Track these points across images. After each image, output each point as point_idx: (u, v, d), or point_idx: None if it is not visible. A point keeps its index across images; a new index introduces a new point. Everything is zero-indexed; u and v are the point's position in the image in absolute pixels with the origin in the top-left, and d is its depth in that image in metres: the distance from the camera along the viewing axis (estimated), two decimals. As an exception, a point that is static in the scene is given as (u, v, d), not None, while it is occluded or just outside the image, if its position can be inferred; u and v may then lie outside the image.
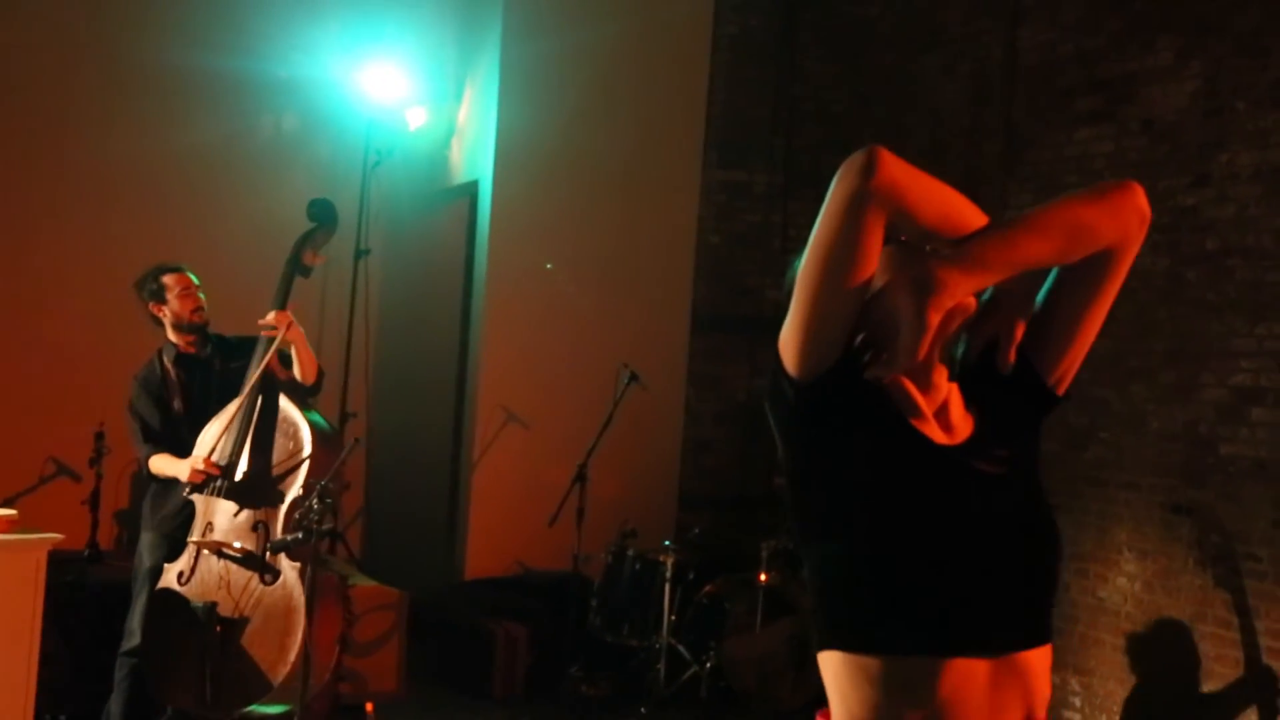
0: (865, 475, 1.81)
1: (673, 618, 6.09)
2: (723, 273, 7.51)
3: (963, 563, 1.78)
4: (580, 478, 6.28)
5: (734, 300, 7.52)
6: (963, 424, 1.88)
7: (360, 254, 7.29)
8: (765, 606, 6.07)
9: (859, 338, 1.78)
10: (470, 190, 7.32)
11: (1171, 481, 5.65)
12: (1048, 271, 1.88)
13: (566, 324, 7.10)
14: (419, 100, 7.47)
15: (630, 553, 6.30)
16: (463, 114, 7.53)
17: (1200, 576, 5.51)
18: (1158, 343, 5.74)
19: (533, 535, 6.55)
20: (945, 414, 1.87)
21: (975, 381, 1.91)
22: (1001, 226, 1.78)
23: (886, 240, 1.78)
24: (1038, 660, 1.84)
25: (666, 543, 6.33)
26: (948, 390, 1.88)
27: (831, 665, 1.84)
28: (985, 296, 1.84)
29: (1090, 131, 6.20)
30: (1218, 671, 5.42)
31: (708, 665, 6.02)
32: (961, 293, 1.72)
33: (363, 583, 5.91)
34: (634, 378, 6.40)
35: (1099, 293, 1.87)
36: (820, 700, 5.99)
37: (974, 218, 1.80)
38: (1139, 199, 1.82)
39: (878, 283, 1.77)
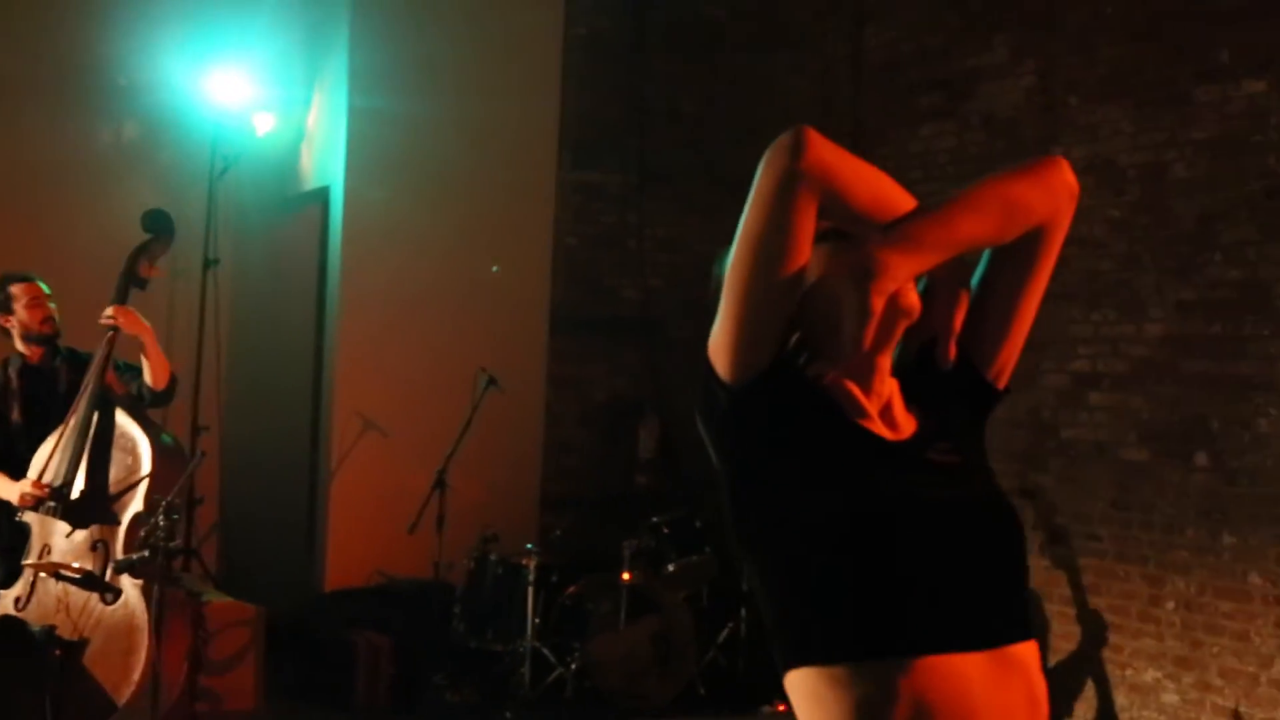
0: (818, 476, 1.69)
1: (537, 621, 6.07)
2: (580, 274, 7.51)
3: (932, 554, 1.66)
4: (440, 484, 6.24)
5: (592, 301, 7.53)
6: (906, 423, 1.78)
7: (209, 263, 7.12)
8: (628, 605, 6.09)
9: (795, 336, 1.69)
10: (322, 196, 7.21)
11: (1017, 466, 5.81)
12: (978, 261, 1.82)
13: (423, 329, 7.02)
14: (266, 105, 7.31)
15: (493, 557, 6.28)
16: (312, 119, 7.41)
17: (1045, 557, 5.68)
18: (1001, 332, 5.89)
19: (394, 544, 6.48)
20: (889, 415, 1.77)
21: (914, 380, 1.81)
22: (934, 207, 1.71)
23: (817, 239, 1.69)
24: (1030, 655, 1.70)
25: (529, 546, 6.31)
26: (889, 392, 1.79)
27: (804, 685, 1.67)
28: (919, 288, 1.77)
29: (933, 128, 6.35)
30: (1063, 648, 5.60)
31: (573, 666, 6.02)
32: (903, 275, 1.65)
33: (217, 599, 5.78)
34: (492, 382, 6.37)
35: (1033, 275, 1.80)
36: (685, 697, 6.03)
37: (904, 200, 1.72)
38: (1066, 173, 1.77)
39: (812, 277, 1.68)
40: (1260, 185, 4.86)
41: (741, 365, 1.68)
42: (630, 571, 6.16)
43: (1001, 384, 1.86)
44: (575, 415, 7.51)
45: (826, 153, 1.63)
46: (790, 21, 7.31)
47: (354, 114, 6.94)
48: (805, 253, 1.66)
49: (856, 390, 1.75)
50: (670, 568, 6.38)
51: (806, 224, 1.64)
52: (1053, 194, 1.74)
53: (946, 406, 1.81)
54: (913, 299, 1.71)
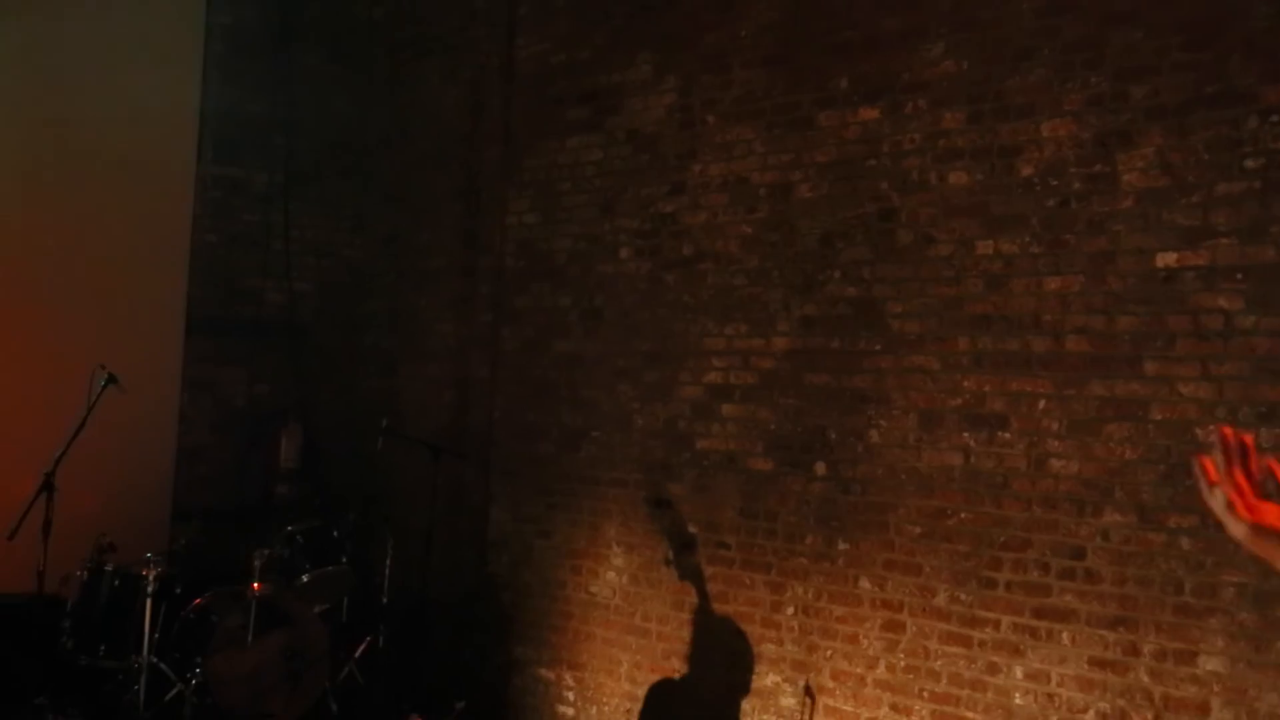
0: None
1: (156, 635, 5.72)
2: (220, 273, 7.18)
3: None
4: (48, 487, 5.77)
5: (232, 302, 7.21)
6: None
7: None
8: (258, 618, 5.81)
9: None
10: (-72, 174, 6.61)
11: (654, 476, 5.91)
12: None
13: (36, 321, 6.52)
14: None
15: (109, 568, 5.87)
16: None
17: (678, 567, 5.79)
18: (641, 344, 6.01)
19: (-5, 554, 5.97)
20: None
21: None
22: None
23: None
24: None
25: (149, 556, 5.93)
26: None
27: None
28: None
29: (580, 140, 6.41)
30: (696, 655, 5.72)
31: (193, 683, 5.70)
32: None
33: None
34: (112, 379, 5.95)
35: None
36: (316, 713, 5.80)
37: None
38: None
39: None
40: (874, 208, 5.13)
41: None
42: (261, 582, 5.89)
43: None
44: (211, 421, 7.15)
45: None
46: (441, 28, 7.24)
47: (-33, 88, 6.40)
48: None
49: None
50: (304, 579, 6.16)
51: None
52: None
53: None
54: None
